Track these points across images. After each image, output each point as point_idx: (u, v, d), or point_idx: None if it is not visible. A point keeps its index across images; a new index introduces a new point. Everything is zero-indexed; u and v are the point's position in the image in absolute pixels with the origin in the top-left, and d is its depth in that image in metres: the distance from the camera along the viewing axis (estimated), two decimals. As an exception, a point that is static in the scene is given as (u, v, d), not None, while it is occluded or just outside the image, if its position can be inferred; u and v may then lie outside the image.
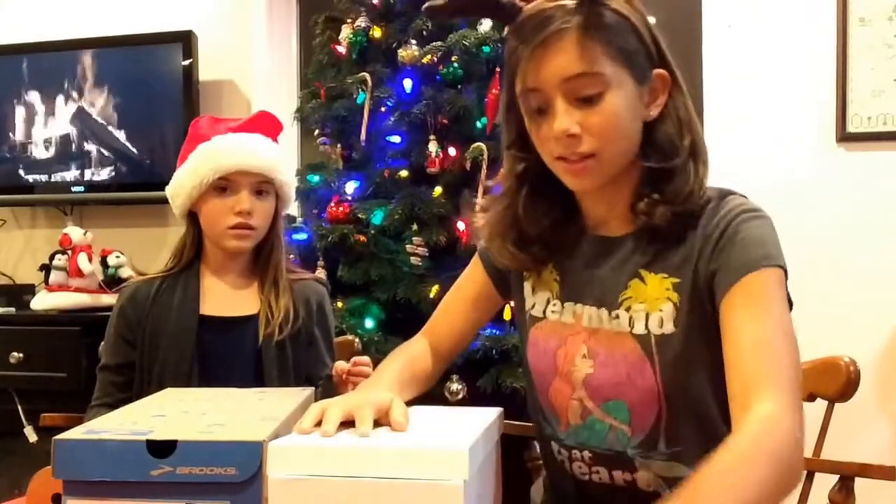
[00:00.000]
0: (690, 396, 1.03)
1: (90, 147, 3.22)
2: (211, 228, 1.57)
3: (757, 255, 0.98)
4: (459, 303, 1.26)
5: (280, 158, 1.61)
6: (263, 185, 1.56)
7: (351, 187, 2.49)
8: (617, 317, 1.06)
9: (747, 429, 0.87)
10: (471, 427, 0.89)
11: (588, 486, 1.12)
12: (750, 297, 0.96)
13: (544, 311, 1.14)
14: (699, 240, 1.03)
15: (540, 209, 1.11)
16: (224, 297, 1.58)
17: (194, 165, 1.55)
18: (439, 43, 2.39)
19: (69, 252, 3.04)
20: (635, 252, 1.07)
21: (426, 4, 1.03)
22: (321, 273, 2.43)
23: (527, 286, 1.17)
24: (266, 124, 1.64)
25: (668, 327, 1.03)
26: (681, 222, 1.04)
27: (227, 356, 1.53)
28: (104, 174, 3.21)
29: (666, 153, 1.03)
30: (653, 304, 1.04)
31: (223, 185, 1.53)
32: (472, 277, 1.26)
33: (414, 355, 1.21)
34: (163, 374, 1.49)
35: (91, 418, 1.38)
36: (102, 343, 1.60)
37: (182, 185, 1.56)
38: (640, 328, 1.04)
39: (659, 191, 1.03)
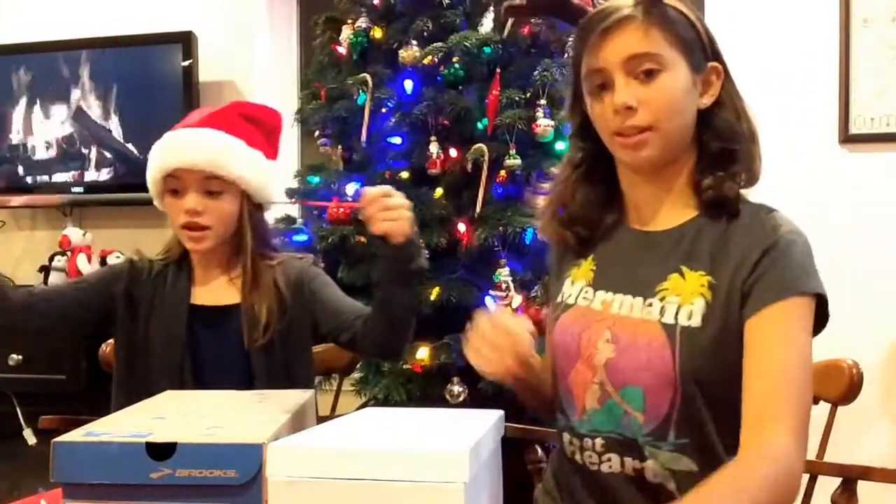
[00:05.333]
0: (705, 392, 1.06)
1: (90, 148, 3.22)
2: (173, 226, 1.55)
3: (797, 280, 1.05)
4: None
5: (231, 151, 1.50)
6: (213, 183, 1.49)
7: (351, 188, 2.48)
8: (650, 305, 1.10)
9: (760, 456, 0.96)
10: (472, 429, 0.89)
11: (597, 477, 1.13)
12: (780, 322, 1.03)
13: (576, 299, 1.18)
14: (746, 246, 1.08)
15: (582, 194, 1.20)
16: (212, 286, 1.57)
17: (149, 165, 1.53)
18: (440, 44, 2.38)
19: (69, 253, 3.04)
20: (677, 247, 1.13)
21: (506, 4, 1.12)
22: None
23: (568, 280, 1.22)
24: (228, 118, 1.54)
25: (696, 321, 1.07)
26: (727, 222, 1.11)
27: (216, 348, 1.52)
28: (104, 175, 3.21)
29: (726, 137, 1.12)
30: (687, 297, 1.08)
31: (175, 186, 1.50)
32: None
33: None
34: (152, 364, 1.49)
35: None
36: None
37: (148, 182, 1.55)
38: (668, 318, 1.08)
39: (722, 169, 1.11)
